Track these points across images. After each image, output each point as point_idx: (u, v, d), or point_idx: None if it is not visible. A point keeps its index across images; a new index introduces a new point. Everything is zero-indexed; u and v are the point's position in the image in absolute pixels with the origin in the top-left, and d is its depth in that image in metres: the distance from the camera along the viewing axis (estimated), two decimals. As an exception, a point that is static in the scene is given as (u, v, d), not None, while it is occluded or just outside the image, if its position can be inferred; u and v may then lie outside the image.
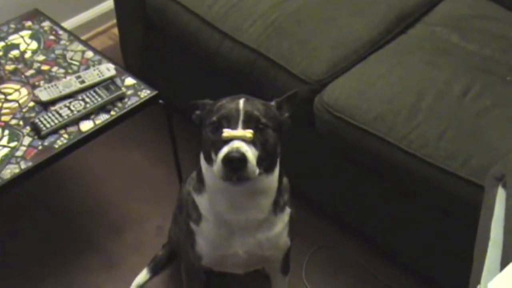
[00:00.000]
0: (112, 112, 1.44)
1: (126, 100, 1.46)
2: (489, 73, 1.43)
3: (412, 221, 1.48)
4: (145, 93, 1.48)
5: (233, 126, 1.00)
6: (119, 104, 1.45)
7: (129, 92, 1.48)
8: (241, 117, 1.01)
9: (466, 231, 1.20)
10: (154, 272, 1.58)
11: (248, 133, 0.99)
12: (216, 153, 1.00)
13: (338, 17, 1.56)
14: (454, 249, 1.39)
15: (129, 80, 1.52)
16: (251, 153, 0.98)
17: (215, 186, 1.10)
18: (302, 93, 1.47)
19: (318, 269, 1.62)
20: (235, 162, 0.97)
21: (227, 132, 0.99)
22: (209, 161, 1.06)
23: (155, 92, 1.49)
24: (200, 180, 1.15)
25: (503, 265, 0.82)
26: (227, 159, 0.97)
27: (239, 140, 0.98)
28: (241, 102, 1.04)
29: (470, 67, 1.45)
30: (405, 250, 1.57)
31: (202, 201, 1.16)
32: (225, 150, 0.98)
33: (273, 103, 1.13)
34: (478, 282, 0.82)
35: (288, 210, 1.20)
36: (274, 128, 1.06)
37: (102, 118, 1.42)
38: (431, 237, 1.47)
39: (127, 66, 1.90)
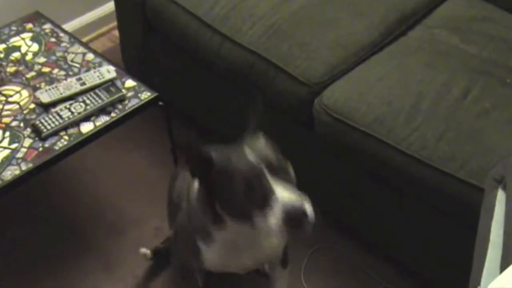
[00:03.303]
0: (113, 114, 1.44)
1: (126, 102, 1.47)
2: (489, 75, 1.43)
3: (411, 223, 1.48)
4: (145, 95, 1.49)
5: (264, 181, 0.96)
6: (120, 106, 1.46)
7: (130, 94, 1.49)
8: (266, 170, 0.97)
9: (465, 233, 1.21)
10: (155, 255, 1.57)
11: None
12: (259, 210, 0.97)
13: (337, 19, 1.56)
14: (453, 251, 1.39)
15: (130, 82, 1.52)
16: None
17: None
18: (302, 95, 1.48)
19: (317, 271, 1.62)
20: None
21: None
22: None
23: (155, 94, 1.50)
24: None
25: (503, 267, 0.82)
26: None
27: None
28: (253, 157, 0.99)
29: (470, 69, 1.45)
30: (404, 252, 1.57)
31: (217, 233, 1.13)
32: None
33: (260, 137, 1.07)
34: (478, 284, 0.83)
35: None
36: (285, 158, 1.04)
37: (103, 120, 1.43)
38: (430, 239, 1.47)
39: (127, 68, 1.90)
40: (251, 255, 1.18)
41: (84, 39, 2.06)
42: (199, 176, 1.06)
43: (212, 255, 1.18)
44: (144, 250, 1.56)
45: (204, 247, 1.17)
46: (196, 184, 1.13)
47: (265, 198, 0.95)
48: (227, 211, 1.04)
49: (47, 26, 1.65)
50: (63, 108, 1.42)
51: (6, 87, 1.49)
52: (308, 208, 0.96)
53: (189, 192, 1.18)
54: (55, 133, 1.39)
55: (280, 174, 0.98)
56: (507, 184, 0.95)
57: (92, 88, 1.47)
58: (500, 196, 0.94)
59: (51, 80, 1.51)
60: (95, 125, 1.42)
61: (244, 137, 1.07)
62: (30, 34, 1.63)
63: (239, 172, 0.98)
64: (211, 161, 1.02)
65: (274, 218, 0.95)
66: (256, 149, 1.01)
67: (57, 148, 1.36)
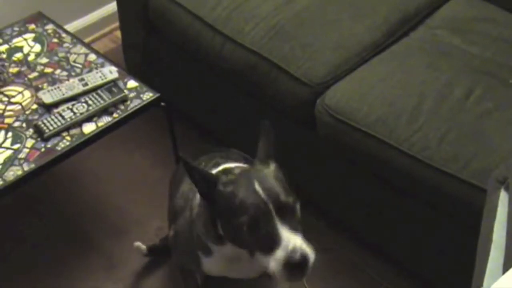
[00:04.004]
0: (115, 115, 1.44)
1: (128, 102, 1.47)
2: (491, 76, 1.44)
3: (413, 223, 1.48)
4: (147, 95, 1.49)
5: (270, 223, 0.95)
6: (122, 107, 1.46)
7: (132, 94, 1.49)
8: (273, 211, 0.96)
9: (467, 234, 1.21)
10: (151, 252, 1.57)
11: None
12: (263, 251, 0.97)
13: (340, 20, 1.56)
14: (455, 252, 1.40)
15: (132, 83, 1.52)
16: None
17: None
18: (304, 96, 1.48)
19: (318, 271, 1.61)
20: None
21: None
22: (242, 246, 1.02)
23: (157, 95, 1.50)
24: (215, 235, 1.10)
25: (506, 268, 0.82)
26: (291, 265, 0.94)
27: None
28: (262, 194, 0.97)
29: (472, 70, 1.45)
30: (405, 252, 1.57)
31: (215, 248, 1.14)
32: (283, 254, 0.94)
33: (271, 167, 1.05)
34: (481, 284, 0.83)
35: None
36: (295, 197, 1.01)
37: (105, 120, 1.43)
38: (432, 240, 1.47)
39: (129, 68, 1.91)
40: (251, 268, 1.18)
41: (86, 40, 2.06)
42: (203, 195, 1.06)
43: (211, 265, 1.19)
44: (138, 243, 1.56)
45: (204, 257, 1.17)
46: (199, 196, 1.13)
47: (269, 240, 0.95)
48: (228, 237, 1.04)
49: (50, 27, 1.66)
50: (65, 109, 1.42)
51: (9, 87, 1.49)
52: (311, 255, 0.96)
53: (193, 201, 1.17)
54: (57, 133, 1.39)
55: (287, 215, 0.97)
56: (510, 185, 0.95)
57: (94, 89, 1.47)
58: (503, 197, 0.94)
59: (54, 81, 1.51)
60: (97, 126, 1.42)
61: (255, 163, 1.06)
62: (32, 35, 1.63)
63: (245, 208, 0.96)
64: (216, 185, 1.01)
65: (275, 262, 0.95)
66: (265, 184, 0.98)
67: (59, 148, 1.37)
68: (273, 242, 0.94)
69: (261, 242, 0.96)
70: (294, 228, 0.96)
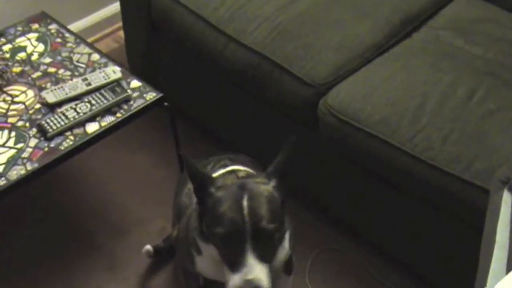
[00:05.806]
0: (118, 114, 1.45)
1: (131, 102, 1.47)
2: (494, 76, 1.44)
3: (416, 224, 1.48)
4: (151, 95, 1.49)
5: (242, 244, 0.96)
6: (125, 106, 1.46)
7: (135, 94, 1.49)
8: (249, 233, 0.96)
9: (470, 234, 1.21)
10: (156, 253, 1.58)
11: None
12: (229, 266, 0.98)
13: (342, 21, 1.56)
14: (458, 253, 1.40)
15: (135, 83, 1.52)
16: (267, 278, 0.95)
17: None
18: (307, 96, 1.48)
19: (321, 272, 1.63)
20: None
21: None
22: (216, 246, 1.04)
23: (160, 95, 1.50)
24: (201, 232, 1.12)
25: (509, 268, 0.82)
26: None
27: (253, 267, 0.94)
28: (246, 212, 0.97)
29: (474, 71, 1.45)
30: (408, 253, 1.57)
31: (203, 246, 1.15)
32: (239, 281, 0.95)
33: (271, 183, 1.04)
34: (484, 284, 0.83)
35: (287, 237, 1.18)
36: (280, 223, 1.01)
37: (108, 120, 1.43)
38: (434, 240, 1.47)
39: (132, 68, 1.91)
40: None
41: (89, 40, 2.07)
42: (195, 192, 1.07)
43: (203, 265, 1.19)
44: (148, 247, 1.57)
45: (196, 256, 1.18)
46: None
47: (235, 260, 0.96)
48: (208, 235, 1.06)
49: (53, 27, 1.66)
50: (69, 108, 1.42)
51: (12, 87, 1.50)
52: None
53: (193, 198, 1.19)
54: (61, 133, 1.39)
55: (262, 240, 0.97)
56: (513, 185, 0.95)
57: (97, 89, 1.48)
58: (506, 197, 0.94)
59: (57, 81, 1.52)
60: (100, 125, 1.42)
61: (259, 174, 1.06)
62: (36, 35, 1.63)
63: (224, 220, 0.98)
64: (209, 186, 1.02)
65: (231, 283, 0.96)
66: (254, 202, 0.98)
67: (62, 148, 1.37)
68: (237, 263, 0.96)
69: (228, 257, 0.98)
70: (264, 256, 0.96)
